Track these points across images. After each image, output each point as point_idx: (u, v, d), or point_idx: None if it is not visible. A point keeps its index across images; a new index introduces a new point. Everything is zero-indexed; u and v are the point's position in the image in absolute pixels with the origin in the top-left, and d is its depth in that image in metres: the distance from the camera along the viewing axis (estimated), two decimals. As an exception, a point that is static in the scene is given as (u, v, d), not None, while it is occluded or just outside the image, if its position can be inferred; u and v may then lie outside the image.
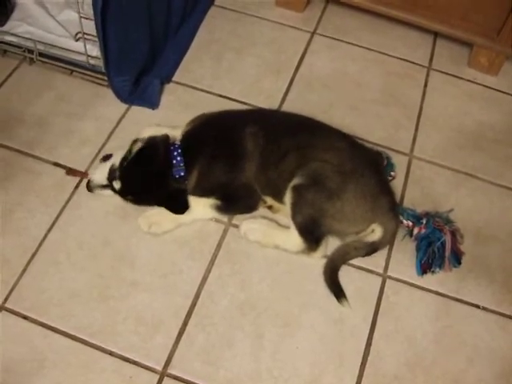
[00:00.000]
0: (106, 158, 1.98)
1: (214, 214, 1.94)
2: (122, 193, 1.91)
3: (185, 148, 1.93)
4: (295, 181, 1.86)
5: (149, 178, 1.89)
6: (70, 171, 2.03)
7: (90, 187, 1.95)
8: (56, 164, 2.06)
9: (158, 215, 1.92)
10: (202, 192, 1.94)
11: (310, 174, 1.85)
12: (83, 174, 2.02)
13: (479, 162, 2.23)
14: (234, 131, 1.97)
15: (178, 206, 1.91)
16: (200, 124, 2.03)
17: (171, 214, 1.91)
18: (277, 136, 1.95)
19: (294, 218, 1.86)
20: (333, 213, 1.84)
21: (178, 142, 1.95)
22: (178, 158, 1.91)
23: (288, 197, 1.86)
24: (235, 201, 1.96)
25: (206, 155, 1.93)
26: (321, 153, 1.90)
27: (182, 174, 1.90)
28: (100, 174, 1.93)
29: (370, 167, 1.94)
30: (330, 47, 2.56)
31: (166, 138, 1.95)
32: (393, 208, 1.94)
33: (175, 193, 1.90)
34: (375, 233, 1.90)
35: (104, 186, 1.93)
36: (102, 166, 1.95)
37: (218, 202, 1.93)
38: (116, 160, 1.91)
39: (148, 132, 1.99)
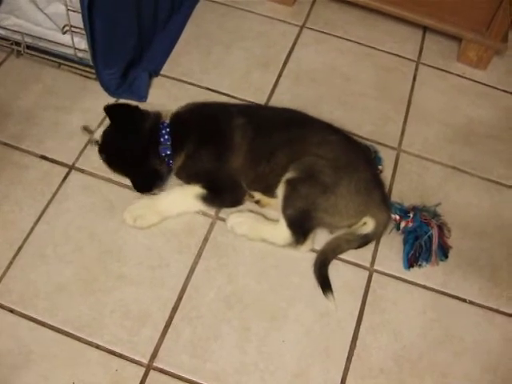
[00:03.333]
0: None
1: (199, 205, 1.93)
2: (100, 149, 1.96)
3: (173, 129, 1.94)
4: (288, 175, 1.86)
5: (133, 144, 1.91)
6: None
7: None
8: (43, 157, 2.05)
9: (143, 208, 1.91)
10: (188, 177, 1.95)
11: (304, 168, 1.85)
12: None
13: (468, 157, 2.24)
14: (222, 121, 1.97)
15: (144, 184, 1.92)
16: (189, 110, 2.03)
17: (156, 207, 1.91)
18: (267, 130, 1.95)
19: (284, 210, 1.85)
20: (326, 207, 1.84)
21: (167, 121, 1.95)
22: (166, 137, 1.92)
23: (280, 190, 1.86)
24: (220, 192, 1.94)
25: (194, 140, 1.94)
26: (314, 147, 1.90)
27: (168, 152, 1.91)
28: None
29: (362, 161, 1.95)
30: (319, 41, 2.56)
31: (158, 114, 1.97)
32: (384, 200, 1.95)
33: (150, 171, 1.91)
34: (367, 225, 1.90)
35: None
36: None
37: (203, 192, 1.91)
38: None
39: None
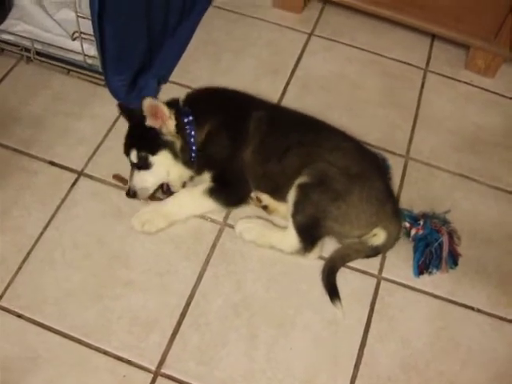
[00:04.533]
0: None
1: (206, 203, 1.92)
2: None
3: (193, 106, 1.96)
4: (301, 179, 1.85)
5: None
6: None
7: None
8: (52, 163, 2.06)
9: (151, 213, 1.91)
10: (205, 160, 1.94)
11: (317, 174, 1.85)
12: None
13: (475, 165, 2.23)
14: (241, 109, 1.99)
15: (147, 143, 1.91)
16: (208, 90, 2.09)
17: (163, 211, 1.91)
18: (282, 128, 1.96)
19: (294, 216, 1.85)
20: (336, 215, 1.84)
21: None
22: (190, 118, 1.93)
23: (291, 195, 1.86)
24: (227, 186, 1.95)
25: (216, 119, 1.95)
26: (327, 153, 1.89)
27: (191, 118, 1.92)
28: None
29: (375, 171, 1.95)
30: (327, 48, 2.57)
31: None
32: (396, 212, 1.94)
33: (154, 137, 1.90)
34: (378, 237, 1.90)
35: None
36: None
37: (210, 186, 1.92)
38: None
39: None
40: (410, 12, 2.47)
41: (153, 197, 1.98)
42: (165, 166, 1.93)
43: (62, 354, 1.69)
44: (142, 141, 1.91)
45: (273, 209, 1.97)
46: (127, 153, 1.93)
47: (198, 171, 1.98)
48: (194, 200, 1.94)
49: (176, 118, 1.89)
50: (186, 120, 1.92)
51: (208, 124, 1.94)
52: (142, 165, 1.91)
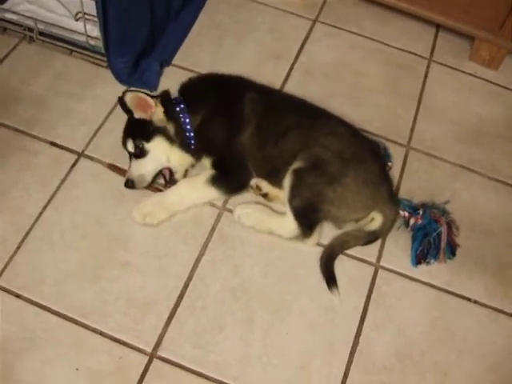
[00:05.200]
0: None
1: (208, 192, 1.93)
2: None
3: (186, 94, 1.99)
4: (296, 164, 1.86)
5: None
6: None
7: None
8: (53, 143, 2.06)
9: (152, 205, 1.91)
10: (203, 144, 1.95)
11: (312, 158, 1.85)
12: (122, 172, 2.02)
13: (477, 156, 2.23)
14: (235, 93, 2.00)
15: (140, 132, 1.93)
16: (201, 77, 2.11)
17: (165, 202, 1.91)
18: (278, 111, 1.97)
19: (291, 201, 1.85)
20: (332, 198, 1.84)
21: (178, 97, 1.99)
22: (182, 106, 1.95)
23: (287, 180, 1.86)
24: (228, 171, 1.95)
25: (209, 104, 1.96)
26: (323, 137, 1.90)
27: (183, 106, 1.94)
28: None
29: (370, 155, 1.95)
30: (331, 36, 2.56)
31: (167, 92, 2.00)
32: (392, 196, 1.95)
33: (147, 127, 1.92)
34: (375, 221, 1.90)
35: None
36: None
37: (212, 174, 1.92)
38: None
39: None
40: (416, 1, 2.46)
41: (152, 187, 1.98)
42: (161, 152, 1.93)
43: (59, 334, 1.70)
44: (136, 130, 1.93)
45: (273, 196, 1.98)
46: (124, 144, 1.95)
47: (198, 156, 1.98)
48: (195, 190, 1.94)
49: (164, 106, 1.90)
50: (178, 108, 1.94)
51: (202, 109, 1.95)
52: (139, 153, 1.92)
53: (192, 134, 1.94)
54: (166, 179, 1.99)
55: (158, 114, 1.90)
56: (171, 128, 1.93)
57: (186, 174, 2.01)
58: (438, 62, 2.53)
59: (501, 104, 2.42)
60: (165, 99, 1.94)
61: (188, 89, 2.02)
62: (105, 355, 1.67)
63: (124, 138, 1.96)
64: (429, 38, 2.61)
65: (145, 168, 1.93)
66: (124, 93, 1.88)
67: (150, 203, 1.91)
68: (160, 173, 1.99)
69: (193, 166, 2.02)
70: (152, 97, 1.90)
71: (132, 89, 1.95)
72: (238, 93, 1.99)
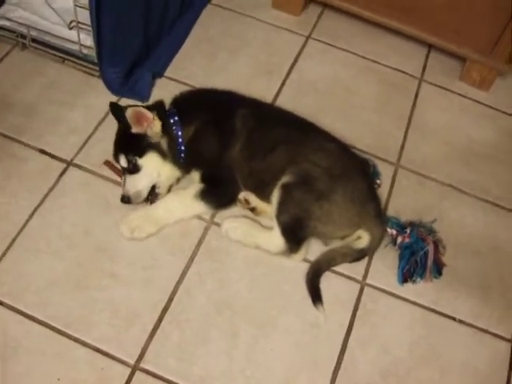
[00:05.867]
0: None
1: (196, 206, 1.92)
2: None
3: (179, 107, 1.98)
4: (284, 179, 1.86)
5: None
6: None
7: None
8: (42, 151, 2.05)
9: (140, 219, 1.89)
10: (193, 158, 1.95)
11: (300, 174, 1.85)
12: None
13: (466, 176, 2.24)
14: (227, 107, 2.00)
15: (133, 147, 1.92)
16: (197, 92, 2.14)
17: (153, 216, 1.90)
18: (268, 125, 1.97)
19: (278, 217, 1.85)
20: (319, 215, 1.84)
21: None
22: (176, 118, 1.95)
23: (275, 195, 1.86)
24: (217, 186, 1.95)
25: (202, 117, 1.97)
26: (312, 153, 1.90)
27: (176, 118, 1.94)
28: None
29: (358, 172, 1.95)
30: (323, 52, 2.57)
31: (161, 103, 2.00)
32: (379, 214, 1.95)
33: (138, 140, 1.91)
34: (362, 239, 1.90)
35: None
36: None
37: (200, 188, 1.92)
38: None
39: None
40: (408, 21, 2.48)
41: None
42: (154, 167, 1.93)
43: (42, 343, 1.68)
44: (129, 145, 1.93)
45: (260, 210, 1.97)
46: (116, 159, 1.94)
47: (187, 169, 1.98)
48: (184, 204, 1.93)
49: (160, 118, 1.90)
50: (171, 120, 1.94)
51: (194, 122, 1.95)
52: (132, 168, 1.91)
53: (183, 148, 1.94)
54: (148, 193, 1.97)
55: (155, 127, 1.89)
56: (164, 142, 1.92)
57: (169, 189, 2.00)
58: (429, 81, 2.55)
59: (491, 125, 2.44)
60: (160, 111, 1.93)
61: (181, 102, 2.02)
62: (87, 366, 1.66)
63: (116, 152, 1.95)
64: (420, 58, 2.63)
65: (140, 184, 1.92)
66: (124, 108, 1.88)
67: (138, 217, 1.90)
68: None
69: (178, 180, 2.02)
70: (148, 109, 1.90)
71: (130, 105, 1.93)
72: (229, 107, 1.99)
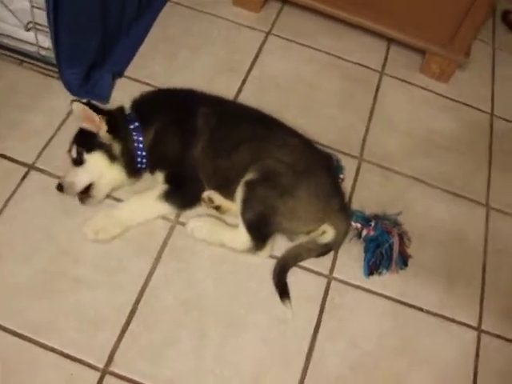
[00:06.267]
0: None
1: (160, 207, 1.91)
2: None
3: (139, 111, 1.98)
4: (248, 176, 1.86)
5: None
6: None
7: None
8: (2, 156, 2.02)
9: (104, 220, 1.87)
10: (156, 158, 1.94)
11: (263, 170, 1.86)
12: None
13: (428, 168, 2.27)
14: (188, 105, 2.00)
15: (85, 141, 1.92)
16: (157, 92, 2.11)
17: (117, 217, 1.88)
18: (231, 123, 1.97)
19: (243, 214, 1.85)
20: (284, 211, 1.84)
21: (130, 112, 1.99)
22: (136, 123, 1.94)
23: (239, 192, 1.86)
24: (181, 186, 1.93)
25: (162, 118, 1.96)
26: (275, 149, 1.91)
27: (137, 124, 1.93)
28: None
29: (322, 167, 1.96)
30: (284, 48, 2.57)
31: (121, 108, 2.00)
32: (344, 209, 1.96)
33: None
34: (327, 234, 1.91)
35: None
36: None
37: (164, 190, 1.90)
38: None
39: None
40: (367, 15, 2.49)
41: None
42: (97, 167, 1.90)
43: (8, 351, 1.65)
44: (82, 137, 1.92)
45: (225, 209, 1.97)
46: (70, 148, 1.93)
47: (151, 171, 1.97)
48: (148, 205, 1.91)
49: (112, 124, 1.89)
50: (131, 126, 1.93)
51: (155, 124, 1.94)
52: (77, 160, 1.90)
53: (144, 153, 1.93)
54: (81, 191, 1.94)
55: (102, 131, 1.89)
56: (117, 147, 1.91)
57: (108, 194, 1.97)
58: (390, 74, 2.57)
59: (452, 117, 2.47)
60: (118, 116, 1.93)
61: (140, 104, 2.01)
62: (56, 372, 1.64)
63: (72, 142, 1.94)
64: (381, 52, 2.65)
65: (77, 177, 1.90)
66: (72, 101, 1.87)
67: (102, 218, 1.88)
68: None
69: (120, 187, 1.99)
70: (102, 112, 1.89)
71: (83, 100, 1.92)
72: (191, 106, 1.99)
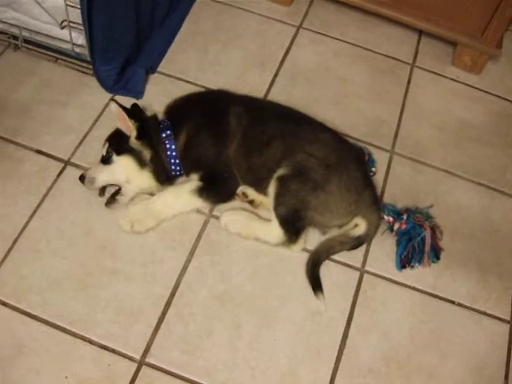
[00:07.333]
0: None
1: (194, 201, 1.93)
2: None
3: (172, 116, 2.00)
4: (280, 171, 1.88)
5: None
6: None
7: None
8: (39, 151, 2.06)
9: (139, 213, 1.91)
10: (190, 161, 1.96)
11: (295, 165, 1.87)
12: None
13: (459, 160, 2.26)
14: (220, 107, 2.01)
15: (117, 142, 1.94)
16: (189, 96, 2.11)
17: (152, 210, 1.91)
18: (262, 121, 1.98)
19: (276, 208, 1.87)
20: (316, 205, 1.86)
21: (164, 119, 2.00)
22: (168, 132, 1.95)
23: (272, 187, 1.88)
24: (215, 183, 1.96)
25: (194, 122, 1.98)
26: (306, 144, 1.92)
27: (169, 132, 1.95)
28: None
29: (353, 161, 1.97)
30: (315, 42, 2.57)
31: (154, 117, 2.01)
32: (375, 201, 1.97)
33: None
34: (360, 227, 1.92)
35: None
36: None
37: (199, 185, 1.93)
38: None
39: None
40: (398, 8, 2.49)
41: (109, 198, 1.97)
42: (124, 170, 1.93)
43: (46, 342, 1.70)
44: (116, 138, 1.95)
45: (258, 203, 1.99)
46: (104, 144, 1.96)
47: (186, 174, 1.99)
48: (182, 198, 1.94)
49: (144, 132, 1.91)
50: (163, 135, 1.95)
51: (186, 128, 1.96)
52: (105, 159, 1.93)
53: (177, 161, 1.96)
54: (102, 190, 1.97)
55: (132, 136, 1.91)
56: (147, 154, 1.93)
57: (133, 198, 1.98)
58: (421, 67, 2.56)
59: (483, 109, 2.45)
60: (150, 124, 1.96)
61: (172, 109, 2.03)
62: (93, 363, 1.68)
63: (106, 139, 1.97)
64: (412, 44, 2.64)
65: (101, 174, 1.92)
66: (111, 100, 1.89)
67: (137, 211, 1.91)
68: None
69: (150, 192, 2.00)
70: (135, 118, 1.91)
71: (118, 102, 1.94)
72: (222, 107, 2.00)
